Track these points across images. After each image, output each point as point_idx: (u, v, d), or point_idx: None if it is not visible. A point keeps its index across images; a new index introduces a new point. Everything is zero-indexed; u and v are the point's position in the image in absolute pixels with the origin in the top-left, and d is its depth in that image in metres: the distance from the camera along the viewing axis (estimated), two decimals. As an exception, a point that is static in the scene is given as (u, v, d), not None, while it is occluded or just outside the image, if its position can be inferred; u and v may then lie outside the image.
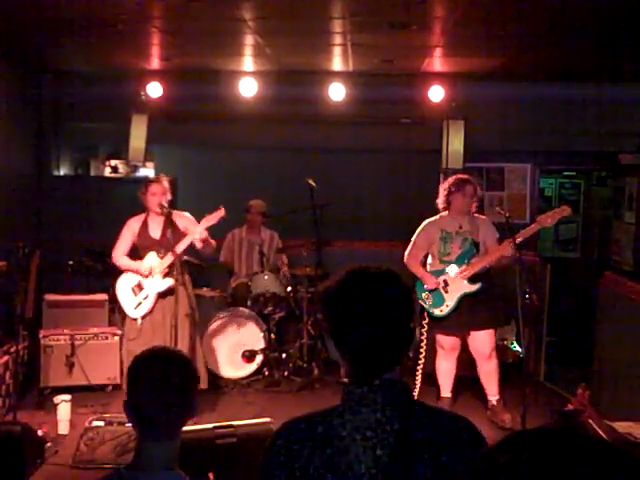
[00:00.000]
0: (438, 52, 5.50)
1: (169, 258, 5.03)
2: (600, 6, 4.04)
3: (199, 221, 5.09)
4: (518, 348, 6.10)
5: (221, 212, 5.13)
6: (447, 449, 1.49)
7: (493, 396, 5.20)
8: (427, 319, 5.18)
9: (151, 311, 5.11)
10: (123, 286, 5.21)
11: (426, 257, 5.27)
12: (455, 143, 6.61)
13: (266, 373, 6.09)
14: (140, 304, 5.12)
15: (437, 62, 5.95)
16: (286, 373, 6.10)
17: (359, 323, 1.52)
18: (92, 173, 7.78)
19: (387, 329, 1.53)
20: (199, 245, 5.08)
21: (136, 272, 5.14)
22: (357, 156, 7.27)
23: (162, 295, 5.10)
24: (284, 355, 6.20)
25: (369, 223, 7.24)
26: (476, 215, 5.18)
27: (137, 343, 5.02)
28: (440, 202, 5.22)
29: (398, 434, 1.47)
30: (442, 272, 5.10)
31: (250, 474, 1.65)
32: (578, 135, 6.76)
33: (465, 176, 5.23)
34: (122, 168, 7.64)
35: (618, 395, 5.13)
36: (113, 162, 7.67)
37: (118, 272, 5.26)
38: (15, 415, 4.81)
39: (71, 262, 6.39)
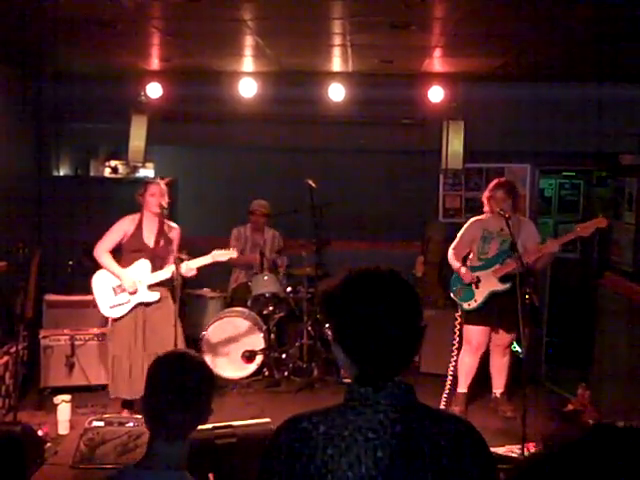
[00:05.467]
0: (438, 52, 5.49)
1: (161, 275, 4.97)
2: (600, 6, 4.04)
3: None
4: (518, 348, 6.09)
5: (233, 254, 5.11)
6: (448, 452, 1.48)
7: (498, 389, 5.42)
8: (460, 315, 5.37)
9: (125, 316, 4.99)
10: (102, 281, 5.05)
11: (469, 253, 5.45)
12: (455, 143, 6.60)
13: (266, 373, 6.09)
14: (119, 306, 5.00)
15: (437, 62, 5.94)
16: (286, 373, 6.10)
17: (364, 325, 1.50)
18: (92, 173, 7.77)
19: (394, 332, 1.51)
20: (184, 270, 4.96)
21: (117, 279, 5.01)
22: (357, 156, 7.26)
23: (146, 304, 5.02)
24: (284, 355, 6.20)
25: (369, 223, 7.23)
26: (521, 217, 5.38)
27: (113, 345, 5.00)
28: (484, 206, 5.41)
29: (399, 436, 1.47)
30: (478, 269, 5.30)
31: (250, 474, 1.65)
32: (578, 135, 6.75)
33: (500, 180, 5.43)
34: (122, 169, 7.63)
35: (618, 395, 5.13)
36: (113, 163, 7.67)
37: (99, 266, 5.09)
38: (15, 415, 4.81)
39: (71, 262, 6.39)
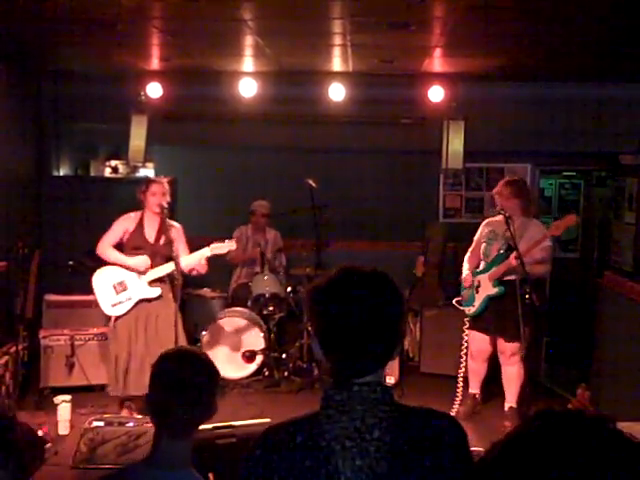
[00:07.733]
0: (438, 52, 5.49)
1: (161, 270, 4.96)
2: (600, 6, 4.04)
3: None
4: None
5: (232, 245, 5.08)
6: (429, 452, 1.46)
7: (508, 402, 5.23)
8: (468, 320, 5.25)
9: (127, 313, 4.99)
10: (103, 280, 5.01)
11: None
12: (455, 143, 6.60)
13: (266, 373, 6.09)
14: (120, 303, 4.98)
15: (437, 62, 5.94)
16: (286, 373, 6.10)
17: (345, 323, 1.49)
18: (92, 173, 7.78)
19: (374, 331, 1.49)
20: (187, 269, 5.01)
21: (128, 268, 4.95)
22: (357, 156, 7.26)
23: (147, 300, 5.01)
24: (284, 355, 6.20)
25: (369, 223, 7.23)
26: (529, 219, 5.09)
27: (114, 345, 4.99)
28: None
29: (378, 442, 1.44)
30: (480, 273, 5.17)
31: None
32: (578, 135, 6.75)
33: (510, 179, 5.29)
34: (122, 168, 7.64)
35: (618, 395, 5.13)
36: (113, 162, 7.67)
37: (102, 264, 5.07)
38: (15, 415, 4.81)
39: (71, 262, 6.39)
